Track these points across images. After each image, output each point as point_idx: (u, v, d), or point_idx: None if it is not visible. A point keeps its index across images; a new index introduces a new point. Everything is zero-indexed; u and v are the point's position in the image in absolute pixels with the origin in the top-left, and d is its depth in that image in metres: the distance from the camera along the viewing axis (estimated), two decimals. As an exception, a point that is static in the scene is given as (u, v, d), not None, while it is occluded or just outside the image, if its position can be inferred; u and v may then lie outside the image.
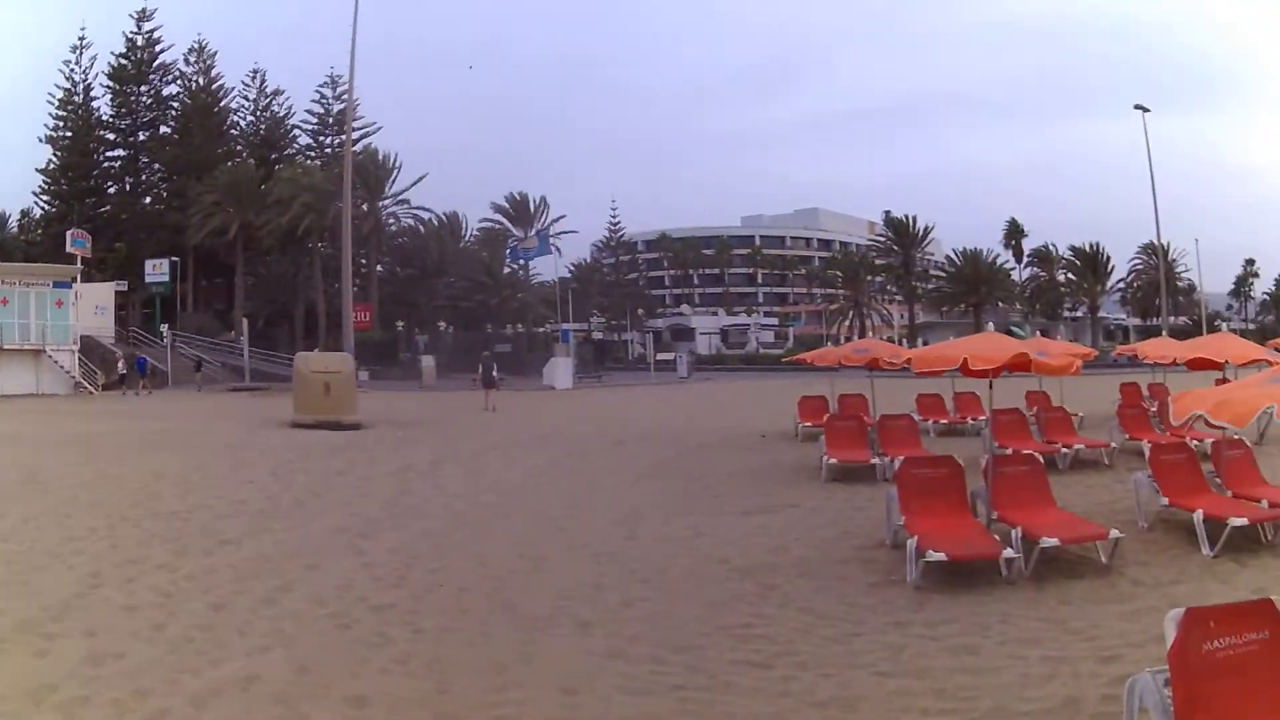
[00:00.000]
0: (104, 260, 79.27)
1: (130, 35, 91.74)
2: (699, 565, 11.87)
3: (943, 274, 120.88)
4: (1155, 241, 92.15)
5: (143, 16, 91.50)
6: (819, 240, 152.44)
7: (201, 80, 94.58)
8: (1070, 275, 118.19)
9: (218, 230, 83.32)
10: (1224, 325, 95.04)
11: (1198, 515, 12.37)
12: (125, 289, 76.51)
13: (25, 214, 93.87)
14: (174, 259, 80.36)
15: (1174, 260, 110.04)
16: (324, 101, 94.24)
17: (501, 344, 74.29)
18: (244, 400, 47.49)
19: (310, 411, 31.04)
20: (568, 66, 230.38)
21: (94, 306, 63.90)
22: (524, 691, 7.40)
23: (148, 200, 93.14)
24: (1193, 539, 12.27)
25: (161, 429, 30.66)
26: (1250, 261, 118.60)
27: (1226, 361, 19.91)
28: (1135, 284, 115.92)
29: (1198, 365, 21.67)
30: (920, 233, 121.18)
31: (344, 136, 71.94)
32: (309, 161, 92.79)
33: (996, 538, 11.68)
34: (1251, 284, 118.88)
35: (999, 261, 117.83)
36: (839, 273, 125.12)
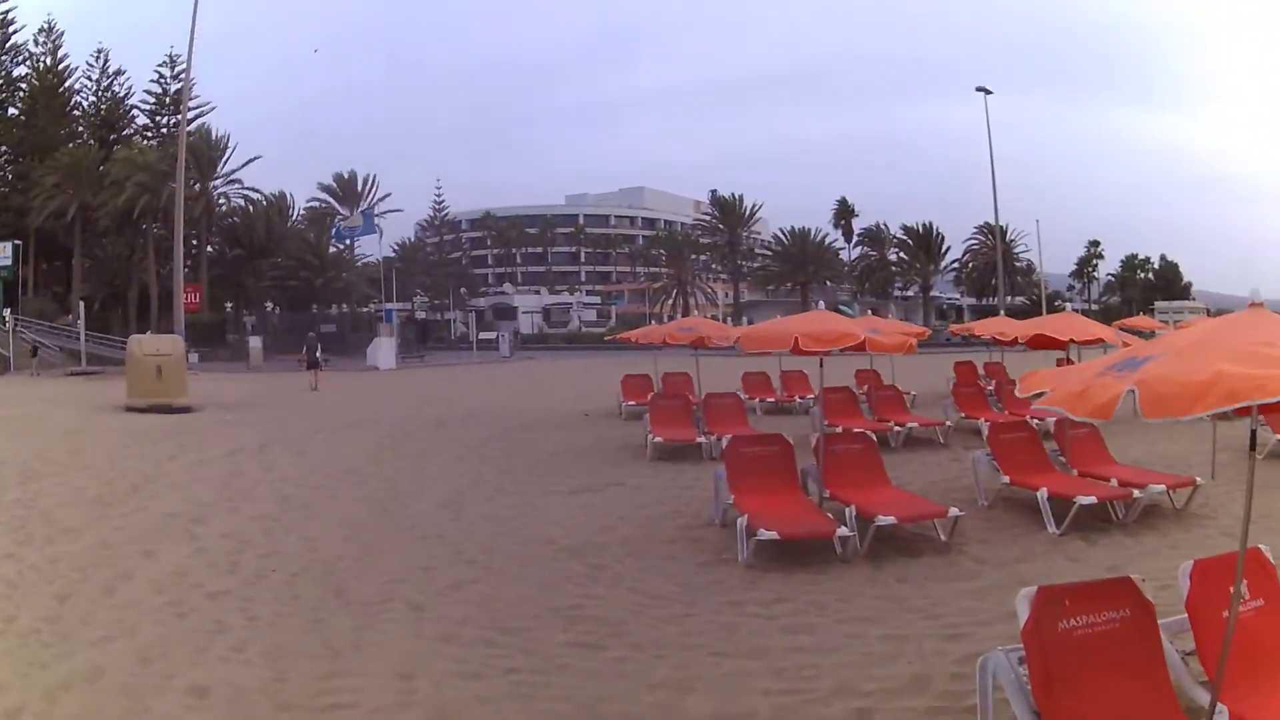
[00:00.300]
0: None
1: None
2: (526, 546, 12.12)
3: (769, 253, 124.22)
4: (993, 222, 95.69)
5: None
6: (643, 219, 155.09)
7: (49, 60, 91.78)
8: (902, 255, 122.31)
9: (57, 212, 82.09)
10: (1066, 305, 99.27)
11: (1042, 493, 12.74)
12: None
13: None
14: (17, 242, 77.69)
15: (1013, 241, 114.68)
16: (162, 81, 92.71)
17: (327, 324, 75.97)
18: (80, 385, 46.71)
19: (143, 395, 31.60)
20: (400, 48, 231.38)
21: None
22: (360, 678, 7.55)
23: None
24: (1037, 517, 12.63)
25: (2, 416, 29.99)
26: (1095, 243, 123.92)
27: (1070, 341, 20.51)
28: (971, 264, 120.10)
29: (1039, 344, 22.28)
30: (747, 211, 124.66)
31: (180, 116, 71.78)
32: (145, 142, 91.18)
33: (829, 516, 11.81)
34: (1096, 265, 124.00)
35: (828, 241, 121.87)
36: (663, 251, 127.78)
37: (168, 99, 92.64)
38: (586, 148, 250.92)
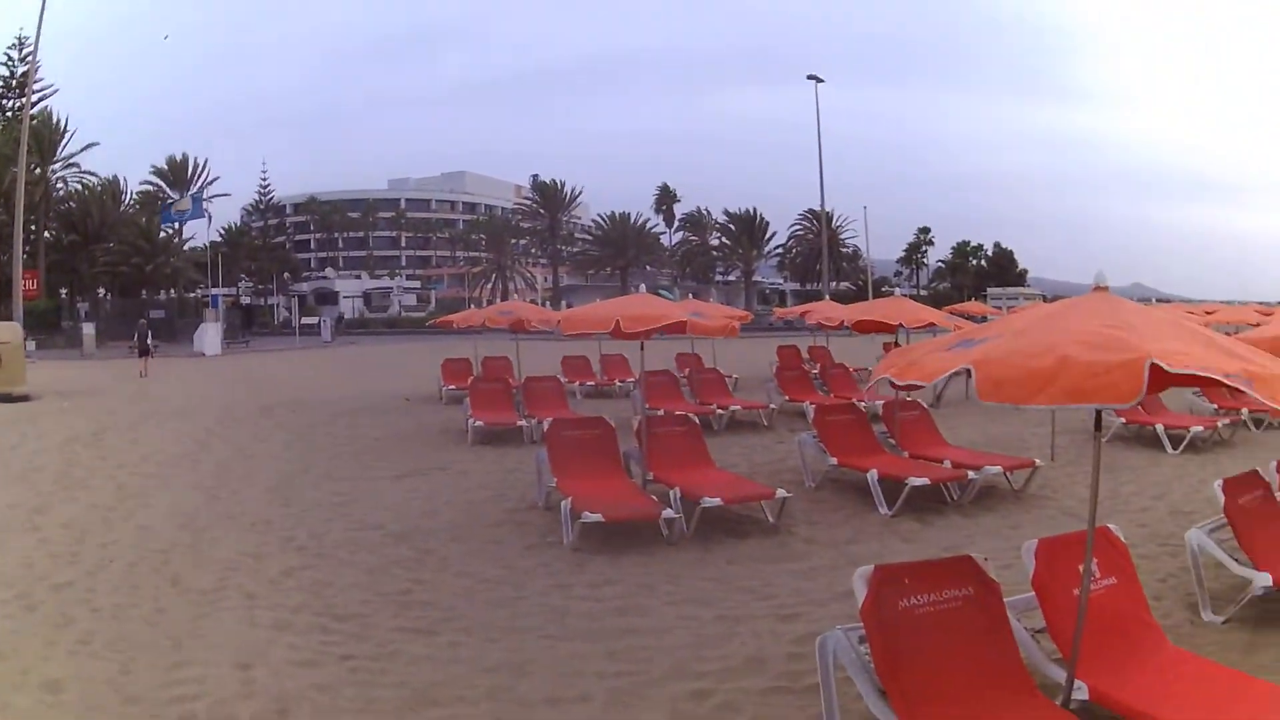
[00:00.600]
0: None
1: None
2: (354, 531, 12.16)
3: (590, 237, 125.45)
4: (819, 208, 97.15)
5: None
6: (464, 203, 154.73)
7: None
8: (725, 240, 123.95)
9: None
10: (895, 291, 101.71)
11: (872, 475, 12.97)
12: None
13: None
14: None
15: (840, 227, 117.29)
16: (10, 64, 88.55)
17: (156, 310, 75.40)
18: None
19: (-17, 384, 31.09)
20: (240, 30, 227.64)
21: None
22: (201, 668, 7.51)
23: None
24: (867, 499, 12.89)
25: None
26: (925, 230, 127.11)
27: (900, 325, 20.93)
28: (795, 249, 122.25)
29: (867, 328, 22.74)
30: (568, 196, 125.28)
31: (24, 100, 68.79)
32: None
33: (654, 498, 11.88)
34: (925, 252, 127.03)
35: (649, 226, 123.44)
36: (483, 236, 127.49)
37: (15, 82, 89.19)
38: (415, 132, 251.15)
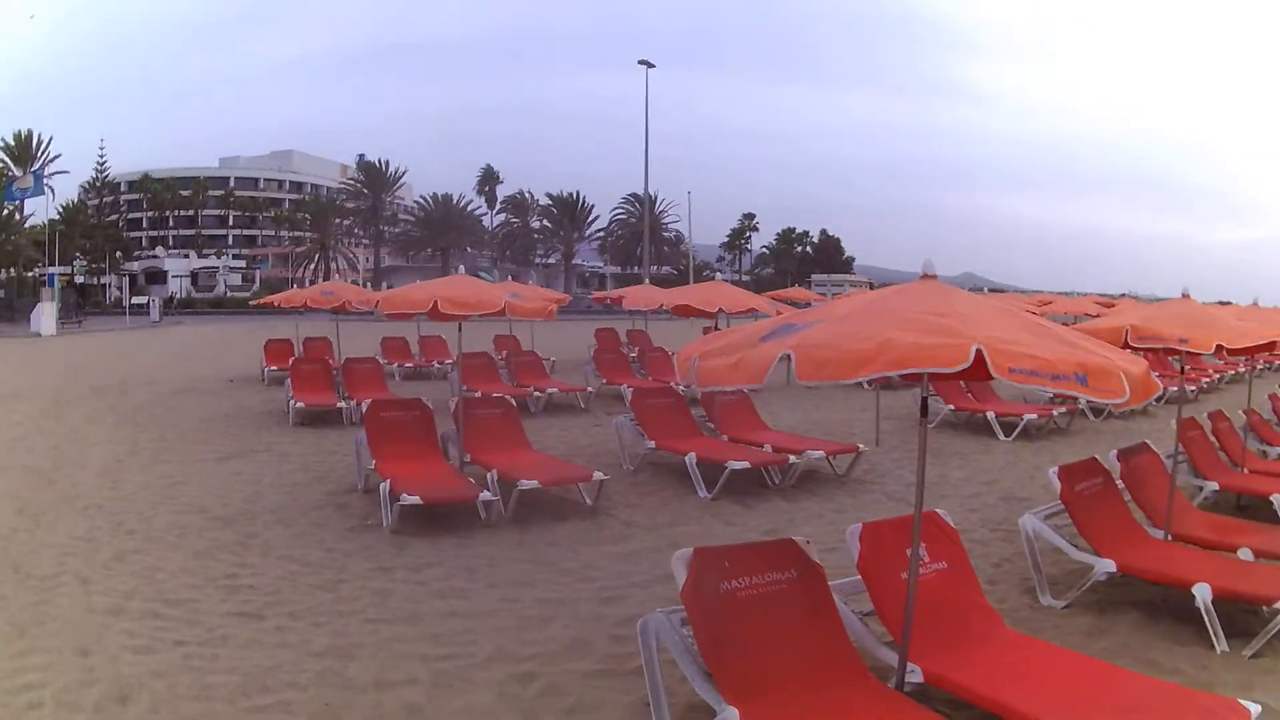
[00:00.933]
0: None
1: None
2: (181, 515, 11.97)
3: (412, 218, 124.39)
4: (643, 192, 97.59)
5: None
6: (291, 183, 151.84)
7: None
8: (546, 223, 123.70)
9: None
10: (715, 275, 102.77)
11: (690, 458, 13.02)
12: None
13: None
14: None
15: (663, 211, 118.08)
16: None
17: None
18: None
19: None
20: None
21: None
22: (45, 656, 7.41)
23: None
24: (687, 482, 12.96)
25: None
26: (750, 216, 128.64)
27: (720, 310, 21.09)
28: (618, 233, 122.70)
29: (686, 312, 22.90)
30: (392, 176, 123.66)
31: None
32: None
33: (471, 480, 11.80)
34: (749, 238, 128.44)
35: (471, 208, 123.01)
36: (308, 215, 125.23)
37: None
38: (249, 110, 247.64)
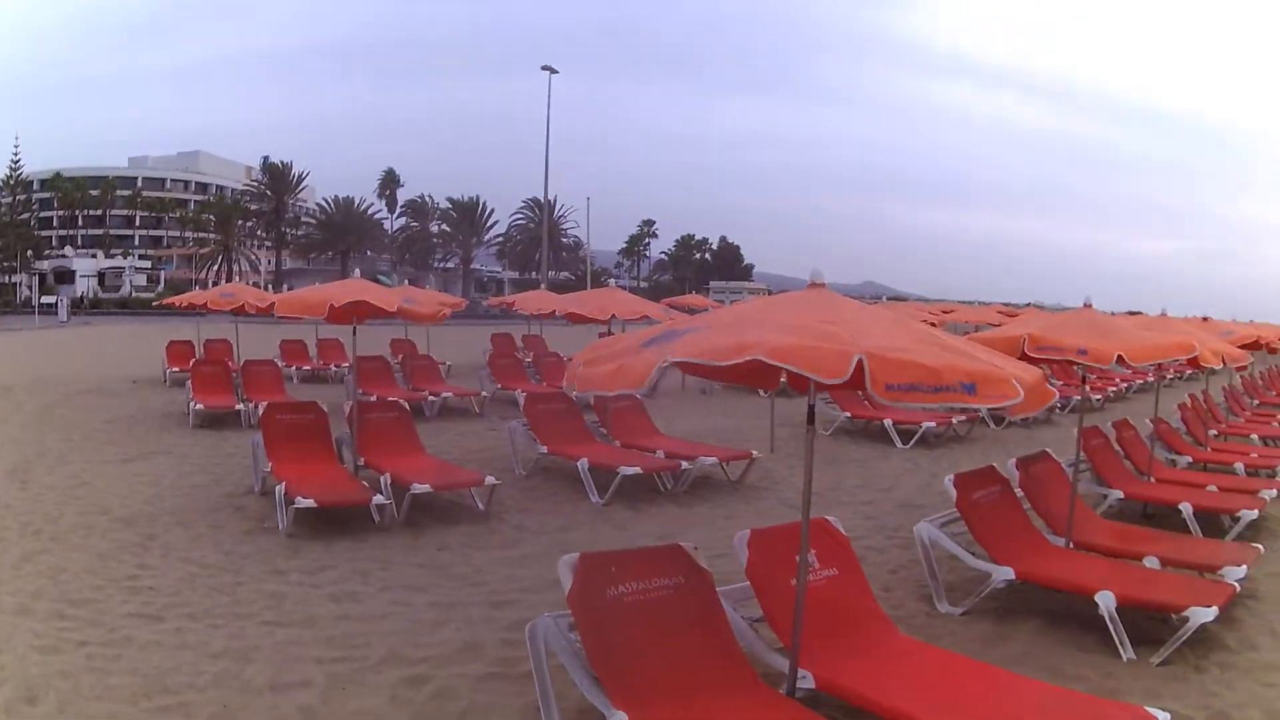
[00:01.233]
0: None
1: None
2: (85, 515, 11.86)
3: (314, 221, 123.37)
4: (542, 197, 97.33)
5: None
6: (198, 184, 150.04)
7: None
8: (445, 227, 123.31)
9: None
10: (611, 281, 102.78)
11: (582, 464, 13.02)
12: None
13: None
14: None
15: (561, 217, 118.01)
16: None
17: None
18: None
19: None
20: None
21: None
22: None
23: None
24: (579, 487, 12.93)
25: None
26: (649, 222, 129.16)
27: (613, 316, 21.14)
28: (517, 238, 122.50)
29: (578, 318, 22.92)
30: (295, 179, 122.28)
31: None
32: None
33: (365, 484, 11.72)
34: (648, 244, 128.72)
35: (372, 211, 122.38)
36: (212, 216, 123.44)
37: None
38: (158, 110, 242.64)
